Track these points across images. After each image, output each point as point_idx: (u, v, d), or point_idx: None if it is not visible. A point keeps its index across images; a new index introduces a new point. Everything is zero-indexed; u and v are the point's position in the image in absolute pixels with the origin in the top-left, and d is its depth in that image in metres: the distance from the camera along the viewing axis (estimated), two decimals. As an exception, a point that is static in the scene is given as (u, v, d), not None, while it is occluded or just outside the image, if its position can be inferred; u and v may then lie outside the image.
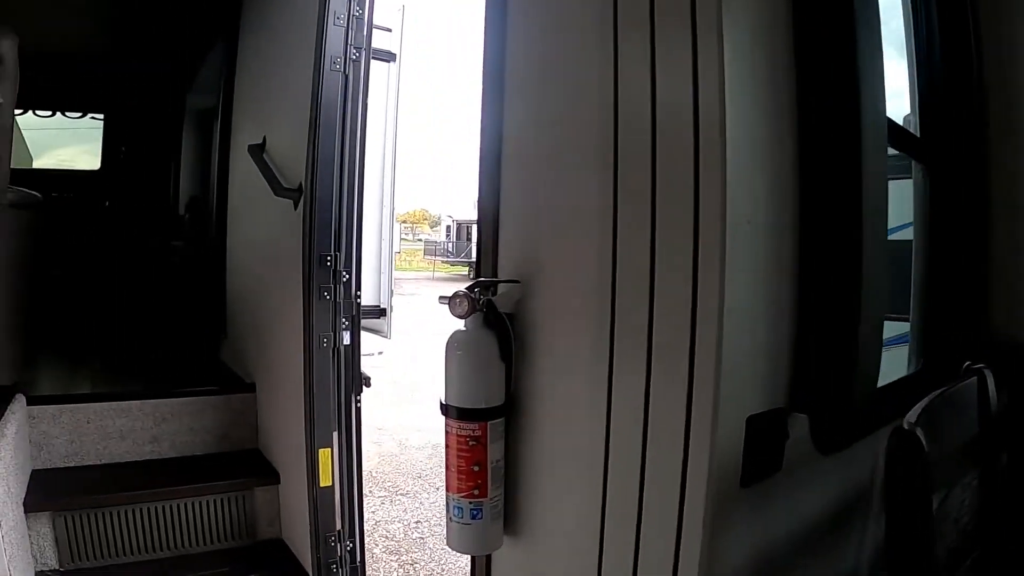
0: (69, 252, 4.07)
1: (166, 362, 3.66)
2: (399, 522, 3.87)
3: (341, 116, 2.23)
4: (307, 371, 2.22)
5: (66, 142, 5.43)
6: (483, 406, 1.37)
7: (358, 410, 2.34)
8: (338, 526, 2.33)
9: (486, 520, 1.38)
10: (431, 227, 46.91)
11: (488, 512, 1.38)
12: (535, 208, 1.33)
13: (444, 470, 1.42)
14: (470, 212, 32.50)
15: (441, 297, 1.43)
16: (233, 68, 3.41)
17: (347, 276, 2.25)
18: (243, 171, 3.17)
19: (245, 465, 2.77)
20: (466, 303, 1.36)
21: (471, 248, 30.33)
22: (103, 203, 4.86)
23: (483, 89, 1.39)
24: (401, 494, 4.29)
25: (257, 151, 2.71)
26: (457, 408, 1.37)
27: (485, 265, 1.50)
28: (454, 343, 1.39)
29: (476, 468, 1.36)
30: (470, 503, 1.37)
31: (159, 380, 3.19)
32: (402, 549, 3.53)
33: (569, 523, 1.25)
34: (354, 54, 2.24)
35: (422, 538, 3.71)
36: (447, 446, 1.40)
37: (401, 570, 3.30)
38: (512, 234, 1.42)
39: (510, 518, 1.42)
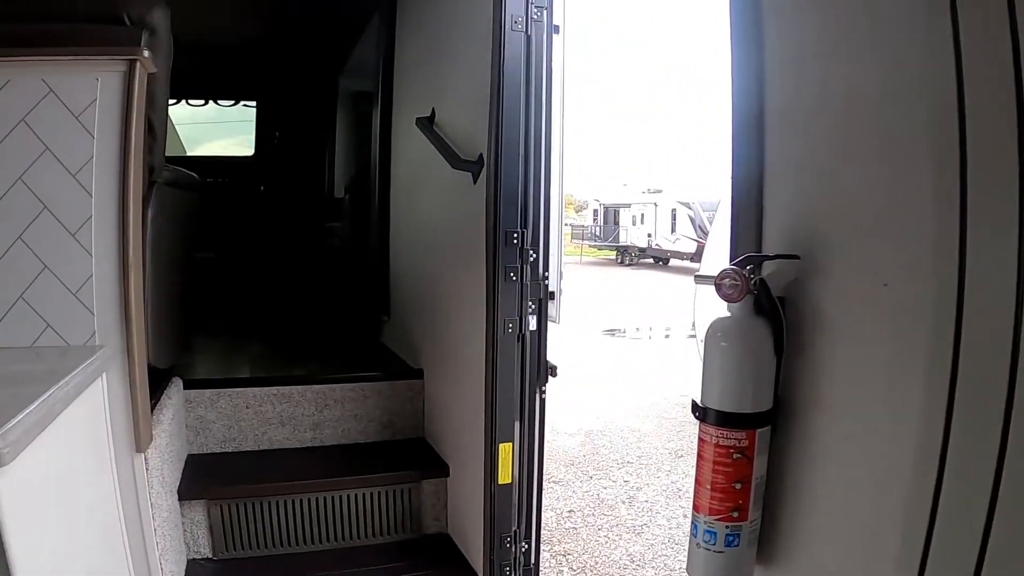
0: (225, 236, 4.10)
1: (326, 346, 3.60)
2: (551, 510, 3.67)
3: (524, 80, 2.05)
4: (490, 359, 2.05)
5: (218, 135, 5.58)
6: (751, 411, 1.13)
7: (542, 402, 2.16)
8: (514, 526, 2.16)
9: (742, 547, 1.15)
10: (576, 211, 46.61)
11: (745, 538, 1.15)
12: (820, 175, 1.11)
13: (694, 485, 1.19)
14: (616, 196, 32.51)
15: (698, 276, 1.21)
16: (392, 44, 3.31)
17: (534, 256, 2.06)
18: (408, 148, 3.07)
19: (411, 456, 2.63)
20: (738, 283, 1.14)
21: (618, 232, 30.25)
22: (258, 188, 4.92)
23: (734, 52, 1.26)
24: (553, 481, 4.09)
25: (426, 124, 2.58)
26: (719, 412, 1.14)
27: (745, 238, 1.29)
28: (717, 332, 1.16)
29: (738, 486, 1.13)
30: (727, 527, 1.14)
31: (320, 364, 3.12)
32: (554, 539, 3.34)
33: (856, 557, 1.03)
34: (535, 14, 2.06)
35: (575, 528, 3.53)
36: (701, 457, 1.17)
37: (552, 560, 3.11)
38: (783, 203, 1.20)
39: (766, 545, 1.20)
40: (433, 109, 2.61)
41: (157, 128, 2.02)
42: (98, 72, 1.62)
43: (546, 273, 2.11)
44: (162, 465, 1.92)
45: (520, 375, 2.08)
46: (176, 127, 5.14)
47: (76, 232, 1.59)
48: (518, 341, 2.06)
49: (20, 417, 1.04)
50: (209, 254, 3.70)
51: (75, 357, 1.49)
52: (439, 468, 2.53)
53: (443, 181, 2.46)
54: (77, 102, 1.60)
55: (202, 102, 5.14)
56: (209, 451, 2.55)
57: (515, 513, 2.15)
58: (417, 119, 2.63)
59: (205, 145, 5.68)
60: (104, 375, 1.61)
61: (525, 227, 2.05)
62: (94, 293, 1.61)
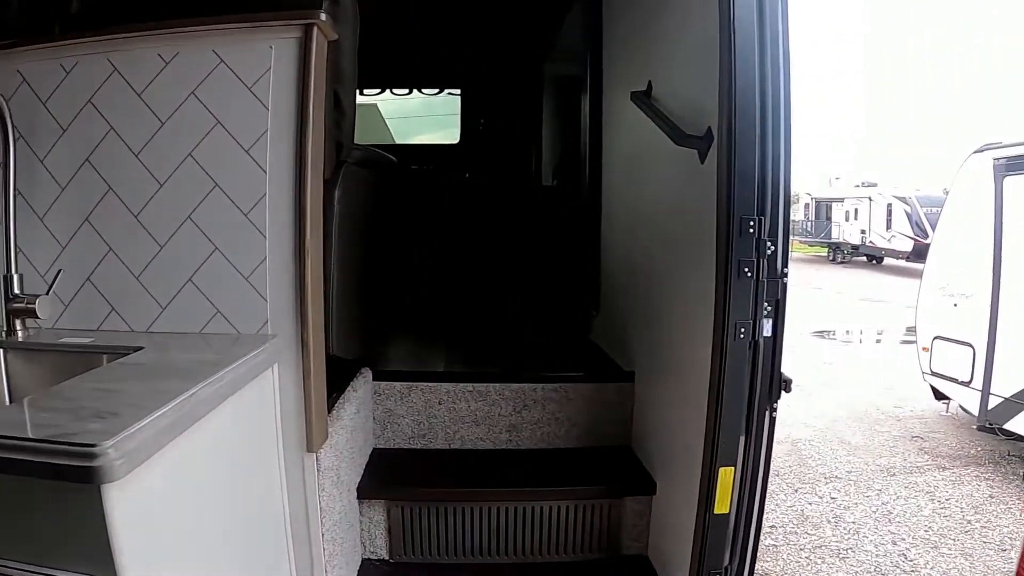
0: (429, 223, 4.05)
1: (529, 341, 3.39)
2: (751, 523, 3.32)
3: (759, 40, 1.64)
4: (716, 367, 1.67)
5: (424, 129, 5.66)
6: None
7: (772, 421, 1.74)
8: (726, 561, 1.77)
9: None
10: (786, 205, 43.85)
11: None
12: None
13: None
14: (827, 189, 29.93)
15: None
16: (599, 22, 3.02)
17: (772, 248, 1.65)
18: (620, 131, 2.77)
19: (615, 468, 2.32)
20: None
21: (830, 228, 28.21)
22: (463, 175, 4.89)
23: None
24: (755, 491, 3.71)
25: (643, 98, 2.25)
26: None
27: None
28: None
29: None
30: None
31: (521, 361, 2.91)
32: (753, 556, 2.99)
33: None
34: (768, -33, 1.65)
35: (775, 546, 3.19)
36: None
37: (750, 580, 2.75)
38: None
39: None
40: (649, 82, 2.27)
41: (345, 103, 1.88)
42: (272, 39, 1.48)
43: (785, 269, 1.68)
44: (338, 464, 1.78)
45: (749, 388, 1.68)
46: (386, 120, 5.27)
47: (249, 212, 1.47)
48: (750, 348, 1.66)
49: (145, 422, 0.91)
50: (412, 241, 3.66)
51: (243, 346, 1.37)
52: (645, 484, 2.18)
53: (663, 162, 2.12)
54: (250, 72, 1.47)
55: (407, 91, 5.19)
56: (396, 446, 2.42)
57: (729, 546, 1.77)
58: (632, 94, 2.31)
59: (413, 138, 5.77)
60: (275, 367, 1.47)
61: (762, 214, 1.64)
62: (267, 277, 1.48)
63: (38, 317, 1.51)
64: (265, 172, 1.46)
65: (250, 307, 1.49)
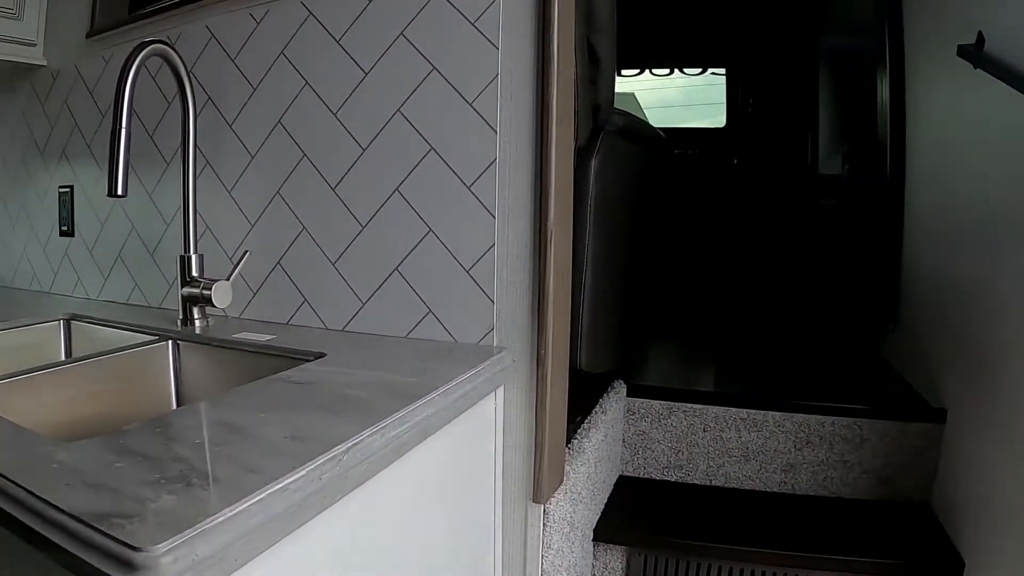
0: (691, 212, 3.59)
1: (810, 357, 2.79)
2: None
3: None
4: None
5: (683, 118, 5.17)
6: None
7: None
8: None
9: None
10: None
11: None
12: None
13: None
14: None
15: None
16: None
17: None
18: (933, 108, 2.17)
19: (909, 533, 1.72)
20: None
21: None
22: (730, 161, 4.36)
23: None
24: None
25: (974, 54, 1.65)
26: None
27: None
28: None
29: None
30: None
31: (802, 384, 2.34)
32: None
33: None
34: None
35: None
36: None
37: None
38: None
39: None
40: (980, 32, 1.65)
41: (602, 54, 1.50)
42: (503, -38, 1.11)
43: None
44: (572, 510, 1.38)
45: None
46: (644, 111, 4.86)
47: (473, 183, 1.11)
48: None
49: (240, 508, 0.56)
50: (674, 232, 3.19)
51: (458, 362, 1.02)
52: (949, 562, 1.57)
53: (1008, 140, 1.50)
54: (472, 3, 1.11)
55: (667, 71, 4.72)
56: (647, 475, 2.00)
57: None
58: (960, 48, 1.73)
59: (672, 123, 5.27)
60: (499, 390, 1.11)
61: None
62: (495, 270, 1.11)
63: (213, 305, 1.28)
64: (495, 131, 1.09)
65: (471, 309, 1.13)
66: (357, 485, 0.70)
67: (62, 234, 1.85)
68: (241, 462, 0.64)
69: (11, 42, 1.78)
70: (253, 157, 1.37)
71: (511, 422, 1.14)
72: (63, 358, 1.52)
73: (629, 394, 1.98)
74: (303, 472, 0.62)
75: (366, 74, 1.20)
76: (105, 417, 1.17)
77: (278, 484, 0.59)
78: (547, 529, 1.23)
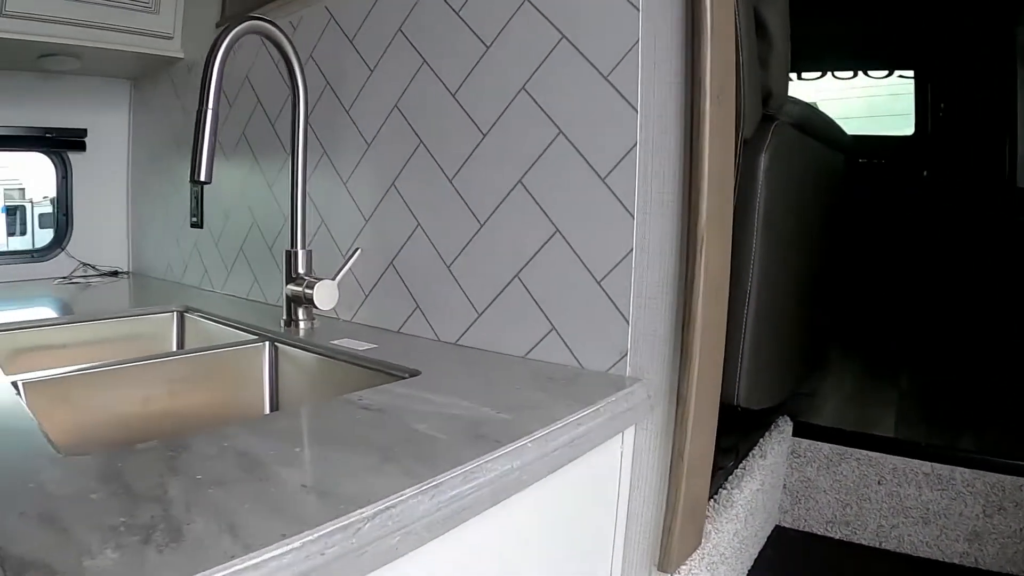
0: (873, 226, 3.20)
1: (1011, 405, 2.30)
2: None
3: None
4: None
5: (868, 129, 4.68)
6: None
7: None
8: None
9: None
10: None
11: None
12: None
13: None
14: None
15: None
16: None
17: None
18: None
19: None
20: None
21: None
22: (919, 172, 3.88)
23: None
24: None
25: None
26: None
27: None
28: None
29: None
30: None
31: (999, 436, 1.94)
32: None
33: None
34: None
35: None
36: None
37: None
38: None
39: None
40: None
41: (773, 30, 1.26)
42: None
43: None
44: (722, 560, 1.14)
45: None
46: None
47: (608, 174, 0.91)
48: None
49: (298, 543, 0.43)
50: (851, 246, 2.82)
51: (579, 393, 0.82)
52: None
53: None
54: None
55: (850, 74, 4.28)
56: (807, 528, 1.71)
57: None
58: None
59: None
60: (628, 432, 0.90)
61: None
62: (632, 281, 0.90)
63: (315, 306, 1.15)
64: (635, 110, 0.88)
65: (601, 328, 0.93)
66: (383, 563, 0.51)
67: (192, 226, 1.82)
68: (226, 517, 0.48)
69: (149, 35, 1.79)
70: (369, 145, 1.25)
71: (640, 471, 0.92)
72: (174, 349, 1.48)
73: (795, 433, 1.70)
74: (293, 545, 0.45)
75: (487, 48, 1.03)
76: (187, 416, 1.09)
77: (250, 560, 0.42)
78: (682, 601, 1.00)
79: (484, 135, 1.04)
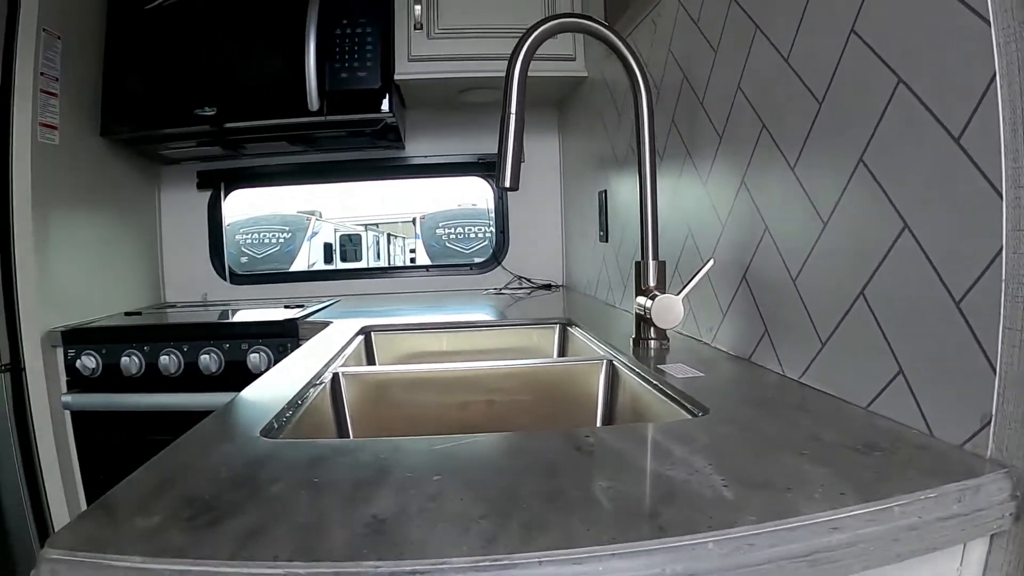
0: None
1: None
2: None
3: None
4: None
5: None
6: None
7: None
8: None
9: None
10: None
11: None
12: None
13: None
14: None
15: None
16: None
17: None
18: None
19: None
20: None
21: None
22: None
23: None
24: None
25: None
26: None
27: None
28: None
29: None
30: None
31: None
32: None
33: None
34: None
35: None
36: None
37: None
38: None
39: None
40: None
41: None
42: None
43: None
44: None
45: None
46: None
47: (962, 132, 0.56)
48: None
49: None
50: None
51: (896, 473, 0.53)
52: None
53: None
54: None
55: None
56: None
57: None
58: None
59: None
60: (976, 545, 0.54)
61: None
62: (1002, 300, 0.55)
63: (655, 324, 1.02)
64: (988, 23, 0.53)
65: (954, 374, 0.59)
66: None
67: (600, 239, 1.84)
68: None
69: (554, 59, 1.89)
70: (720, 138, 1.06)
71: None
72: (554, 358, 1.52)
73: None
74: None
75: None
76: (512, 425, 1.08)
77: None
78: None
79: (820, 103, 0.77)
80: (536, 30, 0.99)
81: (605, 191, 1.79)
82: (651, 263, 1.10)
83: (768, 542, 0.45)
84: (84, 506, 1.68)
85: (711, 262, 1.05)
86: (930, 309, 0.61)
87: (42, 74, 1.79)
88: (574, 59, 1.94)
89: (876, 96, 0.67)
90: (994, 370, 0.55)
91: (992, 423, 0.55)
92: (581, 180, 2.10)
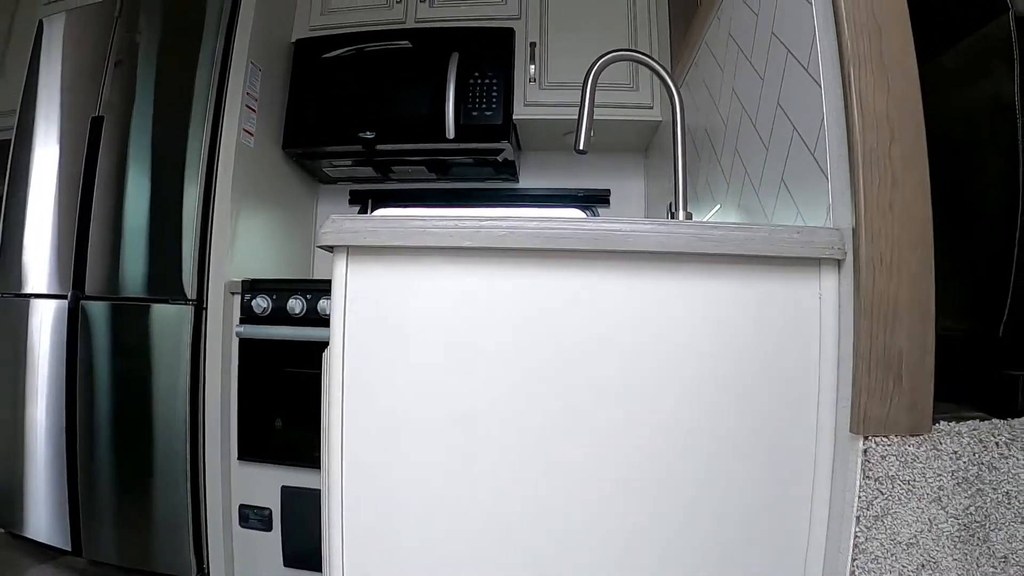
0: None
1: None
2: None
3: None
4: None
5: None
6: None
7: None
8: None
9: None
10: None
11: None
12: None
13: None
14: None
15: None
16: None
17: None
18: None
19: None
20: None
21: None
22: None
23: None
24: None
25: None
26: None
27: None
28: None
29: None
30: None
31: None
32: None
33: None
34: None
35: None
36: None
37: None
38: None
39: None
40: None
41: None
42: None
43: None
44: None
45: None
46: None
47: (815, 147, 1.00)
48: None
49: None
50: None
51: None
52: None
53: None
54: None
55: None
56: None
57: None
58: None
59: None
60: (832, 273, 0.99)
61: None
62: (827, 160, 1.01)
63: None
64: (819, 86, 1.07)
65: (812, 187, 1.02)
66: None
67: None
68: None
69: (633, 107, 2.33)
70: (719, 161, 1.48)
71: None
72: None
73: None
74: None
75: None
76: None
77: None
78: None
79: (767, 149, 1.22)
80: (594, 67, 1.46)
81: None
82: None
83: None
84: (235, 416, 2.18)
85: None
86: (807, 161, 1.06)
87: (247, 93, 2.39)
88: (651, 107, 2.42)
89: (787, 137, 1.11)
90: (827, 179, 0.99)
91: (830, 211, 0.98)
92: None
